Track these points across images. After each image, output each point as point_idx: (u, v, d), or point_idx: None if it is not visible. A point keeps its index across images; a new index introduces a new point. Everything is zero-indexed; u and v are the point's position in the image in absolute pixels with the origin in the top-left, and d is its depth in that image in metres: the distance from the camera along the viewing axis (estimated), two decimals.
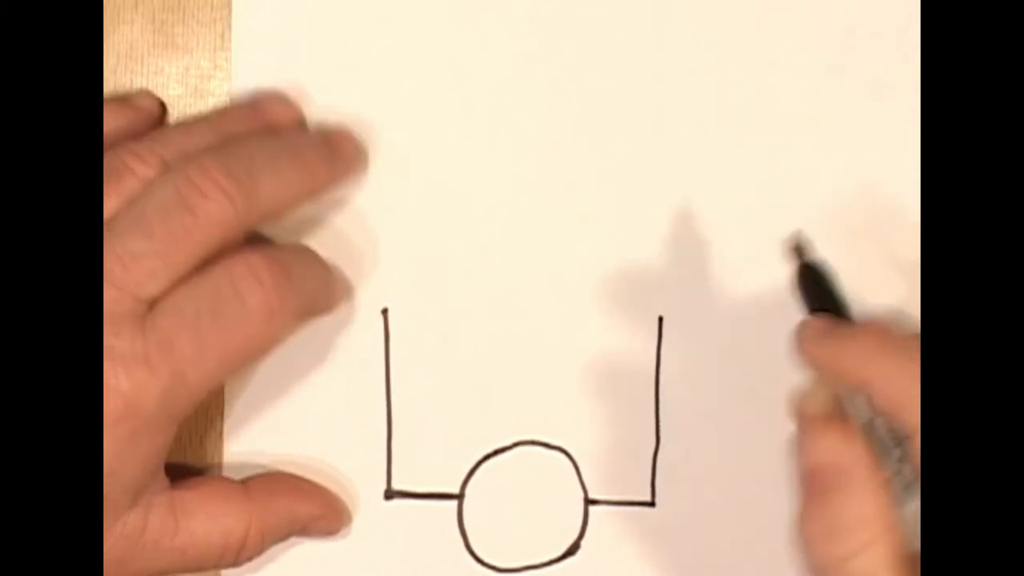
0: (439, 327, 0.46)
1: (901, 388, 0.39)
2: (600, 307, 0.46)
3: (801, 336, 0.42)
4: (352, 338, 0.46)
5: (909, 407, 0.38)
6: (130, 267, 0.39)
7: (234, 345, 0.40)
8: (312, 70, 0.45)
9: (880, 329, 0.41)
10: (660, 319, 0.46)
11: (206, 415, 0.46)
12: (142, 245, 0.39)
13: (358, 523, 0.46)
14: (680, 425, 0.46)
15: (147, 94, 0.45)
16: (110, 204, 0.40)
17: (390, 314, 0.46)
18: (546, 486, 0.46)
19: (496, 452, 0.46)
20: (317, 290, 0.43)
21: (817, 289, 0.44)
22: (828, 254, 0.45)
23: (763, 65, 0.46)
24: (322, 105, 0.45)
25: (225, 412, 0.46)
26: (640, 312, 0.46)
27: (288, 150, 0.43)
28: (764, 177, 0.46)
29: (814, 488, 0.40)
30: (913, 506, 0.40)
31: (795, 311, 0.45)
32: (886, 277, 0.46)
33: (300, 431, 0.46)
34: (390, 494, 0.46)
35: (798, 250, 0.45)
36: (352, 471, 0.45)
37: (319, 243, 0.45)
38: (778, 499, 0.46)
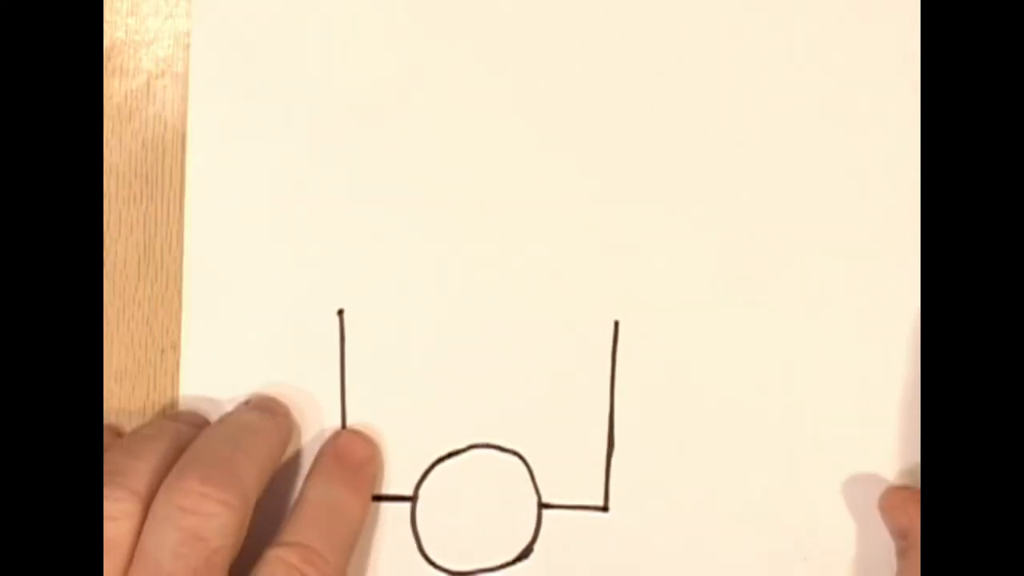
0: (394, 329, 0.46)
1: None
2: (556, 310, 0.46)
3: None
4: (307, 340, 0.46)
5: None
6: None
7: None
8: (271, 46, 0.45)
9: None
10: (616, 323, 0.46)
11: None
12: None
13: None
14: (634, 431, 0.46)
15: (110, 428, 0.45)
16: (110, 567, 0.40)
17: (345, 315, 0.46)
18: (500, 489, 0.46)
19: (450, 455, 0.46)
20: (350, 536, 0.44)
21: None
22: (822, 261, 0.45)
23: (761, 77, 0.46)
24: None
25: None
26: (596, 316, 0.46)
27: (242, 427, 0.44)
28: (726, 181, 0.46)
29: (896, 550, 0.45)
30: None
31: (751, 316, 0.45)
32: (884, 280, 0.46)
33: None
34: None
35: None
36: (307, 472, 0.45)
37: (273, 243, 0.45)
38: (730, 506, 0.46)
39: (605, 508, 0.46)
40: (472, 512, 0.46)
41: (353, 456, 0.45)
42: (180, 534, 0.40)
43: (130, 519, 0.40)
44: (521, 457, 0.46)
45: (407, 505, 0.46)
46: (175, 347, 0.46)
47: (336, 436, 0.45)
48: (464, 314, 0.46)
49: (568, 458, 0.46)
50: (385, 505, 0.46)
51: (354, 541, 0.44)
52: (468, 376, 0.46)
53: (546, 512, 0.46)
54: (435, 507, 0.46)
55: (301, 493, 0.44)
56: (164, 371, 0.46)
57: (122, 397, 0.45)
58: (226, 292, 0.46)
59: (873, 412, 0.46)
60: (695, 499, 0.46)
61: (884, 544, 0.45)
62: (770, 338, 0.46)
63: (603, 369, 0.46)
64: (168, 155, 0.45)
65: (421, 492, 0.46)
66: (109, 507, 0.40)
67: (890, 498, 0.45)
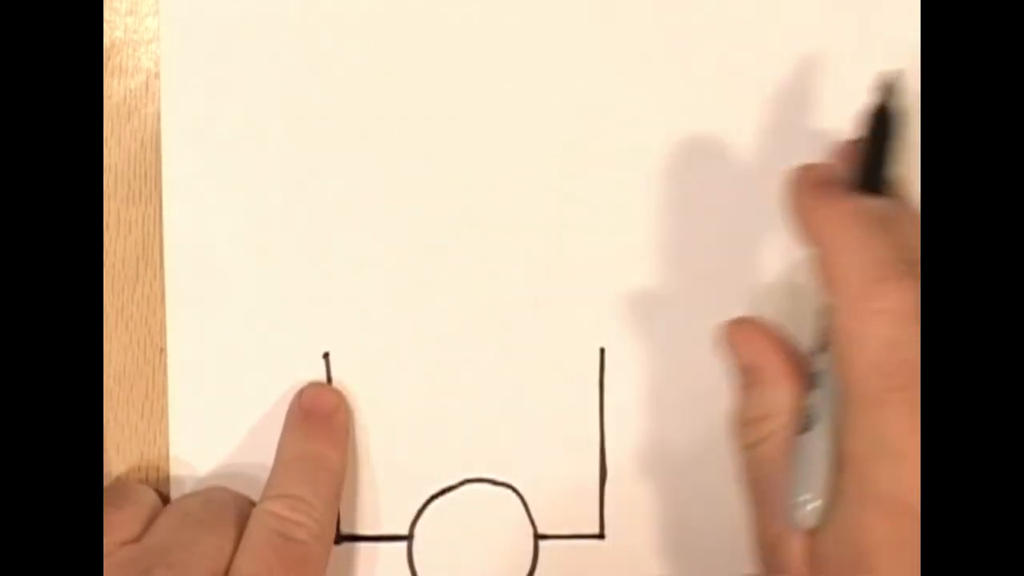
0: (381, 369, 0.46)
1: (846, 263, 0.39)
2: (541, 341, 0.46)
3: (794, 176, 0.42)
4: (295, 384, 0.46)
5: (843, 283, 0.39)
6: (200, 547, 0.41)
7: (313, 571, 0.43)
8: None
9: (856, 204, 0.40)
10: (602, 350, 0.46)
11: (158, 474, 0.46)
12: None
13: None
14: (626, 456, 0.46)
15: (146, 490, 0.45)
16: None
17: (332, 357, 0.46)
18: (495, 523, 0.46)
19: (443, 491, 0.46)
20: (331, 481, 0.44)
21: (874, 138, 0.41)
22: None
23: (761, 72, 0.45)
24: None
25: (171, 464, 0.46)
26: (581, 345, 0.46)
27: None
28: (711, 206, 0.46)
29: (739, 383, 0.44)
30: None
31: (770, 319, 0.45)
32: None
33: (246, 478, 0.45)
34: (339, 539, 0.46)
35: (886, 89, 0.41)
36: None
37: (261, 287, 0.45)
38: (726, 526, 0.46)
39: (601, 535, 0.46)
40: (469, 547, 0.46)
41: (320, 407, 0.45)
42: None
43: None
44: (514, 489, 0.46)
45: (404, 544, 0.46)
46: (167, 351, 0.46)
47: (300, 392, 0.45)
48: (449, 349, 0.46)
49: (562, 488, 0.46)
50: (382, 545, 0.46)
51: (338, 489, 0.44)
52: (457, 412, 0.46)
53: (543, 543, 0.46)
54: (432, 545, 0.46)
55: (276, 452, 0.44)
56: (163, 371, 0.46)
57: (121, 397, 0.45)
58: (211, 298, 0.46)
59: None
60: (690, 522, 0.46)
61: None
62: None
63: (591, 397, 0.46)
64: None
65: (416, 530, 0.46)
66: None
67: (736, 333, 0.44)
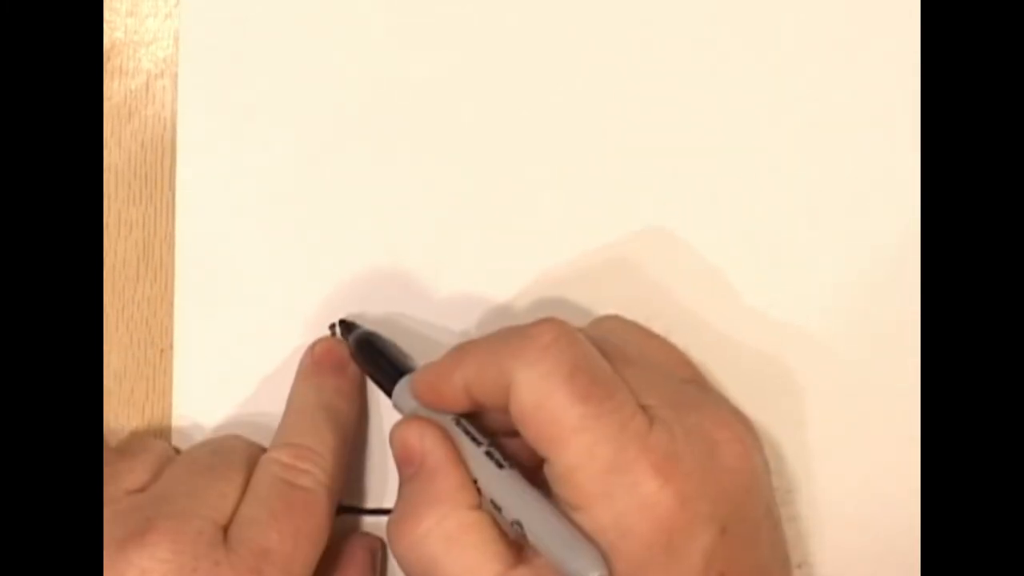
0: (392, 340, 0.46)
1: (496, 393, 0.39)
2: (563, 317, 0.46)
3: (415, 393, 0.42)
4: (300, 352, 0.46)
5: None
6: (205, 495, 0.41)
7: (315, 524, 0.42)
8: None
9: (461, 349, 0.41)
10: None
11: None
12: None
13: None
14: None
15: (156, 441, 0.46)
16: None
17: (338, 327, 0.46)
18: None
19: None
20: (340, 433, 0.44)
21: (378, 355, 0.44)
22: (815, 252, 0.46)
23: (762, 71, 0.46)
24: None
25: (174, 433, 0.46)
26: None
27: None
28: (750, 189, 0.46)
29: (401, 476, 0.41)
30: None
31: (771, 320, 0.45)
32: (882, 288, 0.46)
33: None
34: (340, 510, 0.45)
35: (346, 328, 0.45)
36: None
37: (275, 254, 0.45)
38: None
39: None
40: None
41: (332, 359, 0.45)
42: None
43: None
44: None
45: None
46: (174, 347, 0.46)
47: (312, 346, 0.45)
48: (457, 324, 0.46)
49: None
50: (383, 519, 0.46)
51: (347, 440, 0.44)
52: None
53: None
54: None
55: (287, 403, 0.45)
56: (163, 371, 0.46)
57: (121, 397, 0.45)
58: (219, 295, 0.46)
59: (875, 408, 0.46)
60: None
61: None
62: (767, 343, 0.46)
63: None
64: (167, 155, 0.46)
65: None
66: None
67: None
